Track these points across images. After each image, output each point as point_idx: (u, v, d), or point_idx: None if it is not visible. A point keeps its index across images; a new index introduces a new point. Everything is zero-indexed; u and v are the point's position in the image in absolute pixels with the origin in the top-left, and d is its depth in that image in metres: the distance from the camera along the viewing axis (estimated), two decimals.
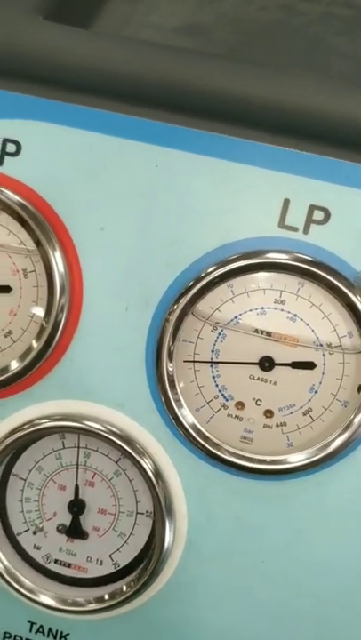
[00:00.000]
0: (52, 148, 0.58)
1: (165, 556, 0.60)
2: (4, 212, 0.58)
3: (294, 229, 0.56)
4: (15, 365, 0.59)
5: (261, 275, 0.56)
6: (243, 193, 0.56)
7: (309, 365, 0.57)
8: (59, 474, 0.63)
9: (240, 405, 0.58)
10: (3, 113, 0.58)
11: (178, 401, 0.58)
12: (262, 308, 0.57)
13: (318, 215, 0.55)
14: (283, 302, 0.56)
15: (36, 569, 0.64)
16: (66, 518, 0.63)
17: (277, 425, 0.58)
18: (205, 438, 0.58)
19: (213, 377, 0.58)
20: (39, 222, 0.57)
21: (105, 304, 0.59)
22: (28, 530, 0.64)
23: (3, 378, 0.59)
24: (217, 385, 0.58)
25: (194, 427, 0.58)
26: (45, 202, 0.58)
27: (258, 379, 0.57)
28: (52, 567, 0.64)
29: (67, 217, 0.58)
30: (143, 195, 0.57)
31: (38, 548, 0.64)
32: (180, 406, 0.58)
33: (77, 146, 0.57)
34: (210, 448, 0.58)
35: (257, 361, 0.57)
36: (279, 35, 0.69)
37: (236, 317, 0.57)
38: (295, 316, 0.56)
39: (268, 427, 0.58)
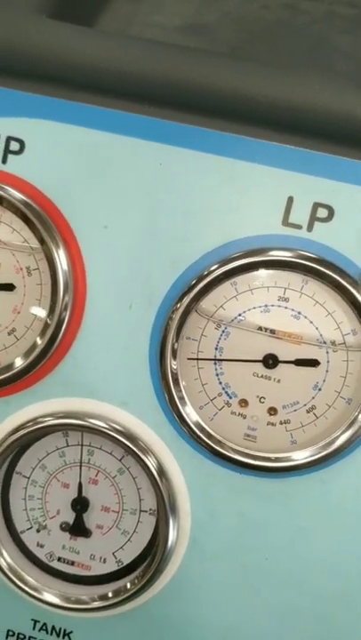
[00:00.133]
0: (55, 146, 0.58)
1: (169, 554, 0.60)
2: (8, 210, 0.58)
3: (298, 227, 0.56)
4: (19, 363, 0.59)
5: (265, 272, 0.56)
6: (246, 191, 0.56)
7: (313, 363, 0.57)
8: (62, 472, 0.63)
9: (244, 403, 0.58)
10: (6, 111, 0.58)
11: (182, 398, 0.58)
12: (266, 305, 0.57)
13: (322, 213, 0.55)
14: (287, 300, 0.56)
15: (40, 567, 0.64)
16: (69, 516, 0.63)
17: (281, 422, 0.58)
18: (209, 436, 0.58)
19: (217, 374, 0.58)
20: (43, 220, 0.58)
21: (108, 302, 0.59)
22: (31, 528, 0.64)
23: (6, 375, 0.59)
24: (221, 382, 0.58)
25: (198, 424, 0.58)
26: (49, 200, 0.58)
27: (262, 376, 0.57)
28: (56, 565, 0.64)
29: (70, 215, 0.58)
30: (147, 193, 0.57)
31: (42, 546, 0.64)
32: (183, 404, 0.58)
33: (81, 144, 0.57)
34: (214, 446, 0.58)
35: (261, 358, 0.57)
36: (282, 34, 0.69)
37: (239, 315, 0.57)
38: (299, 313, 0.56)
39: (272, 424, 0.58)
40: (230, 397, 0.58)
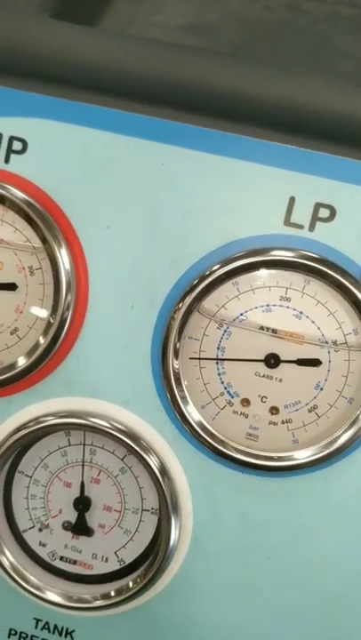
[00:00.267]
0: (58, 145, 0.58)
1: (171, 553, 0.60)
2: (11, 209, 0.58)
3: (300, 227, 0.56)
4: (21, 362, 0.59)
5: (267, 272, 0.56)
6: (248, 191, 0.56)
7: (315, 362, 0.57)
8: (64, 471, 0.63)
9: (246, 402, 0.58)
10: (9, 111, 0.58)
11: (184, 398, 0.58)
12: (268, 305, 0.57)
13: (324, 213, 0.55)
14: (288, 300, 0.57)
15: (42, 566, 0.64)
16: (71, 515, 0.63)
17: (283, 422, 0.58)
18: (211, 435, 0.58)
19: (219, 374, 0.58)
20: (45, 220, 0.58)
21: (111, 302, 0.59)
22: (33, 527, 0.64)
23: (9, 375, 0.59)
24: (223, 382, 0.58)
25: (200, 424, 0.58)
26: (51, 199, 0.58)
27: (263, 376, 0.58)
28: (58, 564, 0.64)
29: (73, 215, 0.58)
30: (149, 193, 0.57)
31: (44, 545, 0.64)
32: (185, 403, 0.58)
33: (83, 144, 0.58)
34: (216, 445, 0.58)
35: (263, 358, 0.57)
36: (285, 34, 0.69)
37: (241, 315, 0.57)
38: (301, 313, 0.57)
39: (274, 424, 0.58)
40: (232, 397, 0.58)
